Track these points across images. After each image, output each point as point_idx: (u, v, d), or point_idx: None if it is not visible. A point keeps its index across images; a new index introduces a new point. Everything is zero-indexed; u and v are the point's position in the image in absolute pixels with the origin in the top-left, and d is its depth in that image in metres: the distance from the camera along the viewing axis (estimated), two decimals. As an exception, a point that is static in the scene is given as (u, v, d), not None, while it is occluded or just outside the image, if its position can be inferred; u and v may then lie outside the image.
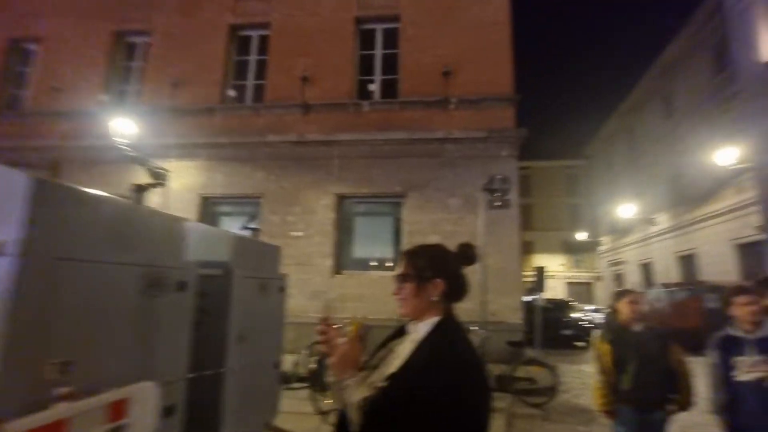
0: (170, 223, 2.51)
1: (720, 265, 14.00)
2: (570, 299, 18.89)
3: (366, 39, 10.10)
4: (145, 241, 2.24)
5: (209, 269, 2.99)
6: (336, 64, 9.70)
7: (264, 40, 10.36)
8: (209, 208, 9.56)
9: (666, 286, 13.74)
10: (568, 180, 31.93)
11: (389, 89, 9.65)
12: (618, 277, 24.81)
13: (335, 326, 1.22)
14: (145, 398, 1.95)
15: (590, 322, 14.04)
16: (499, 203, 5.90)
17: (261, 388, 3.55)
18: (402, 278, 1.23)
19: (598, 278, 28.86)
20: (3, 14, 11.26)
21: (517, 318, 7.98)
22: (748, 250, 12.58)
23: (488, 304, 7.91)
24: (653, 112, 19.57)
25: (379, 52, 9.98)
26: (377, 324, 6.50)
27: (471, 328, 5.91)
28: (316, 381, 4.64)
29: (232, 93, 9.87)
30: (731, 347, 2.29)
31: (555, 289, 27.90)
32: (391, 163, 8.97)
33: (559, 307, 13.39)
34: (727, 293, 2.36)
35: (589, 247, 29.17)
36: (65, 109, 10.16)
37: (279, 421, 4.32)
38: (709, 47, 14.77)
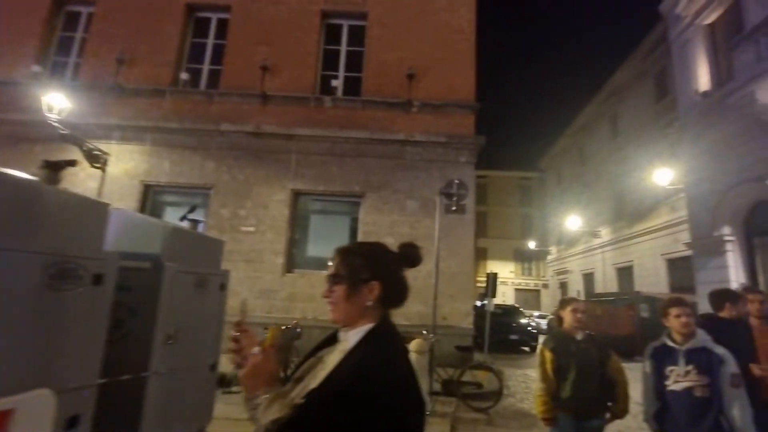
0: (87, 208, 2.21)
1: (653, 278, 15.13)
2: (518, 305, 19.60)
3: (331, 34, 9.89)
4: (52, 226, 1.94)
5: (136, 261, 2.69)
6: (299, 56, 9.41)
7: (223, 24, 9.85)
8: (153, 197, 8.91)
9: (602, 296, 14.62)
10: (522, 191, 33.30)
11: (352, 87, 9.50)
12: (563, 286, 26.15)
13: (249, 332, 1.05)
14: (36, 409, 1.67)
15: (536, 327, 14.60)
16: (455, 208, 5.93)
17: (194, 393, 3.26)
18: (333, 279, 1.09)
19: (545, 286, 30.27)
20: None
21: (467, 323, 8.08)
22: (677, 264, 13.67)
23: (440, 308, 7.97)
24: (601, 132, 20.86)
25: (344, 48, 9.80)
26: (328, 326, 6.35)
27: (422, 332, 5.88)
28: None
29: (184, 76, 9.27)
30: (665, 357, 2.36)
31: (505, 295, 28.96)
32: (351, 162, 8.81)
33: (508, 312, 13.81)
34: (663, 304, 2.44)
35: (538, 256, 30.56)
36: (-12, 77, 9.08)
37: (214, 428, 4.02)
38: (652, 75, 15.97)
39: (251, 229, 8.48)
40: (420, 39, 9.41)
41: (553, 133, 29.53)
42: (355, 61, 9.67)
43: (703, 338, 2.29)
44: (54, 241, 1.93)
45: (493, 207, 32.71)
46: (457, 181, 5.96)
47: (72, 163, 3.40)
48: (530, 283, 31.10)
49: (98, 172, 8.61)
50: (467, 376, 5.56)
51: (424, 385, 5.09)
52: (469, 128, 9.02)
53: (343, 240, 8.80)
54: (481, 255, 30.85)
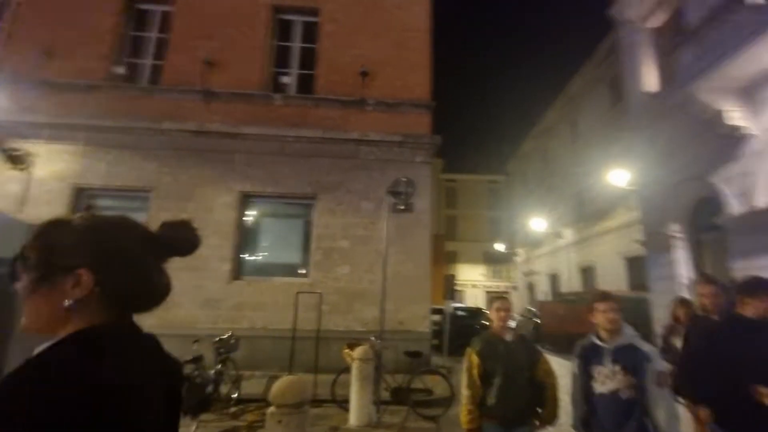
0: None
1: (613, 276, 15.44)
2: (483, 308, 19.61)
3: (284, 30, 9.52)
4: None
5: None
6: (246, 52, 8.97)
7: (166, 17, 9.29)
8: (85, 201, 8.18)
9: (566, 295, 14.77)
10: (490, 193, 33.73)
11: (305, 85, 9.14)
12: (531, 287, 26.50)
13: None
14: None
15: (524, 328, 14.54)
16: (403, 207, 5.66)
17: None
18: (20, 265, 0.73)
19: (514, 287, 30.63)
20: None
21: (424, 326, 7.81)
22: (635, 263, 13.98)
23: (397, 313, 7.68)
24: (562, 135, 21.35)
25: (296, 44, 9.45)
26: (279, 335, 5.86)
27: (371, 338, 5.54)
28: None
29: (120, 70, 8.64)
30: (592, 356, 2.13)
31: (476, 298, 29.11)
32: (303, 162, 8.42)
33: (473, 315, 13.69)
34: (589, 299, 2.21)
35: (507, 258, 30.92)
36: None
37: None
38: (607, 81, 16.46)
39: (194, 233, 7.90)
40: (373, 36, 9.19)
41: (519, 137, 30.14)
42: (308, 59, 9.34)
43: (629, 334, 2.06)
44: None
45: (463, 210, 32.95)
46: (404, 179, 5.70)
47: (88, 207, 2.94)
48: (500, 285, 31.39)
49: (22, 174, 7.86)
50: (418, 383, 5.25)
51: (370, 394, 4.75)
52: (425, 127, 8.84)
53: (295, 245, 8.39)
54: (451, 258, 30.92)
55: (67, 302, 0.70)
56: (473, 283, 30.86)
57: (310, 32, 9.45)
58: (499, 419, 2.35)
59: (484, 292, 30.67)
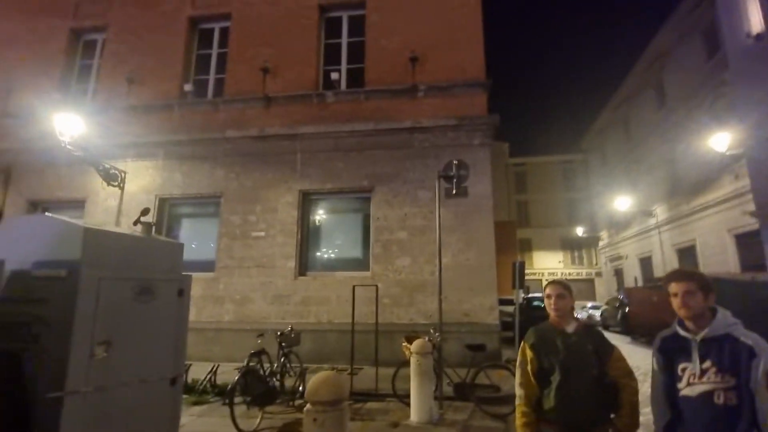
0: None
1: (719, 256, 13.33)
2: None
3: (331, 27, 9.59)
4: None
5: (49, 270, 2.45)
6: (299, 54, 9.19)
7: (225, 33, 9.88)
8: (168, 210, 9.06)
9: (655, 280, 13.05)
10: (565, 175, 31.26)
11: (355, 79, 9.13)
12: (618, 273, 24.10)
13: None
14: None
15: (589, 319, 13.38)
16: (456, 191, 5.32)
17: (146, 410, 3.00)
18: None
19: (598, 274, 28.15)
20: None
21: (492, 318, 7.38)
22: (746, 240, 11.92)
23: (461, 304, 7.37)
24: (646, 102, 18.94)
25: (344, 40, 9.46)
26: (343, 329, 5.88)
27: (430, 330, 5.34)
28: (232, 394, 4.07)
29: (188, 87, 9.36)
30: (676, 351, 1.72)
31: (553, 287, 27.22)
32: (357, 156, 8.43)
33: (549, 305, 12.74)
34: (664, 279, 1.79)
35: (588, 243, 28.48)
36: (18, 111, 9.69)
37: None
38: (699, 32, 14.17)
39: (261, 234, 8.34)
40: (421, 20, 8.85)
41: (593, 110, 27.33)
42: (357, 52, 9.31)
43: (724, 323, 1.62)
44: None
45: (535, 195, 30.98)
46: (456, 162, 5.36)
47: (145, 211, 3.40)
48: (582, 272, 29.03)
49: (117, 190, 8.90)
50: (483, 379, 4.93)
51: (431, 389, 4.56)
52: (481, 108, 8.32)
53: (356, 238, 8.44)
54: (525, 246, 29.33)
55: None
56: (551, 271, 28.90)
57: (357, 26, 9.39)
58: (559, 425, 2.02)
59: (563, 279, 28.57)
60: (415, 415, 4.37)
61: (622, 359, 2.10)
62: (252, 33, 9.50)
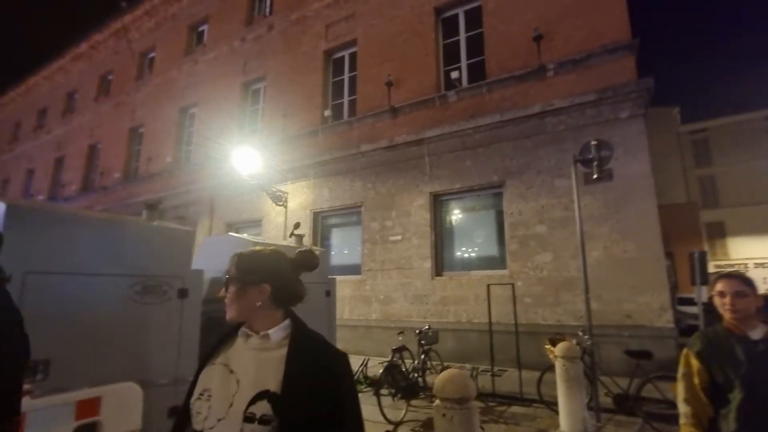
0: (172, 237, 2.74)
1: None
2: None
3: (448, 27, 9.61)
4: (137, 253, 2.48)
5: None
6: (419, 61, 9.47)
7: (354, 57, 10.88)
8: (321, 222, 10.41)
9: None
10: (771, 134, 23.93)
11: (477, 73, 8.92)
12: None
13: None
14: (122, 398, 2.11)
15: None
16: (597, 176, 4.68)
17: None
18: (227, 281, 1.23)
19: (843, 263, 20.60)
20: (172, 89, 14.73)
21: (664, 321, 6.19)
22: None
23: (621, 304, 6.46)
24: None
25: (462, 36, 9.35)
26: (484, 329, 5.95)
27: (578, 333, 4.84)
28: (379, 386, 4.43)
29: (327, 113, 10.60)
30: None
31: (766, 281, 21.06)
32: (484, 152, 8.20)
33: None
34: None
35: (820, 222, 21.16)
36: (216, 155, 12.53)
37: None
38: None
39: (398, 237, 8.85)
40: (543, -8, 8.11)
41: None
42: (476, 46, 9.10)
43: None
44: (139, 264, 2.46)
45: (725, 167, 24.59)
46: (594, 143, 4.71)
47: (297, 225, 4.42)
48: (813, 261, 21.68)
49: (283, 208, 10.68)
50: (652, 391, 4.20)
51: (583, 398, 4.12)
52: (629, 73, 7.13)
53: (491, 235, 8.21)
54: (714, 232, 23.59)
55: (258, 303, 1.15)
56: (758, 261, 22.42)
57: (474, 19, 9.18)
58: None
59: (782, 272, 21.82)
60: (565, 424, 4.01)
61: None
62: (376, 52, 10.22)
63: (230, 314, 1.16)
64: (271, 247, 1.28)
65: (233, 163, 9.60)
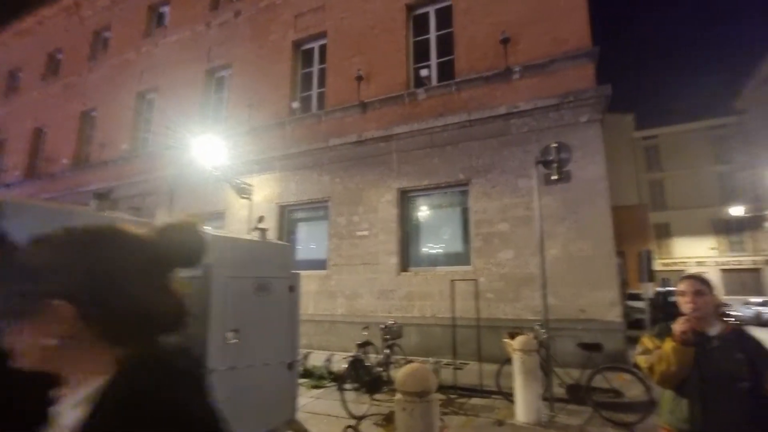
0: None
1: None
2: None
3: (419, 24, 9.65)
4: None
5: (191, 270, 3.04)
6: (389, 57, 9.47)
7: (323, 50, 10.70)
8: (287, 215, 10.22)
9: None
10: (714, 143, 25.95)
11: (446, 72, 9.03)
12: (800, 260, 19.09)
13: None
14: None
15: (740, 318, 11.01)
16: (556, 177, 4.90)
17: (266, 391, 3.49)
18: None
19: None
20: (130, 72, 13.92)
21: (614, 315, 6.59)
22: None
23: (576, 299, 6.79)
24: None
25: (433, 34, 9.43)
26: (447, 324, 6.03)
27: (534, 327, 5.05)
28: (343, 381, 4.44)
29: (295, 105, 10.40)
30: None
31: (705, 279, 22.85)
32: (452, 150, 8.34)
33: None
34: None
35: (751, 224, 23.18)
36: (176, 144, 11.96)
37: (310, 424, 4.24)
38: None
39: (365, 233, 8.85)
40: (512, -4, 8.32)
41: (752, 57, 22.02)
42: (446, 45, 9.21)
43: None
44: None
45: (673, 171, 26.40)
46: (554, 145, 4.93)
47: (260, 219, 4.25)
48: (744, 260, 23.76)
49: (247, 201, 10.39)
50: (601, 382, 4.46)
51: (538, 389, 4.32)
52: (588, 80, 7.47)
53: (456, 232, 8.38)
54: (661, 232, 25.28)
55: (51, 341, 0.59)
56: (699, 260, 24.31)
57: (444, 18, 9.27)
58: None
59: (718, 270, 23.77)
60: (521, 414, 4.19)
61: None
62: (346, 45, 10.11)
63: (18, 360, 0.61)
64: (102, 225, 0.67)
65: (195, 152, 9.21)
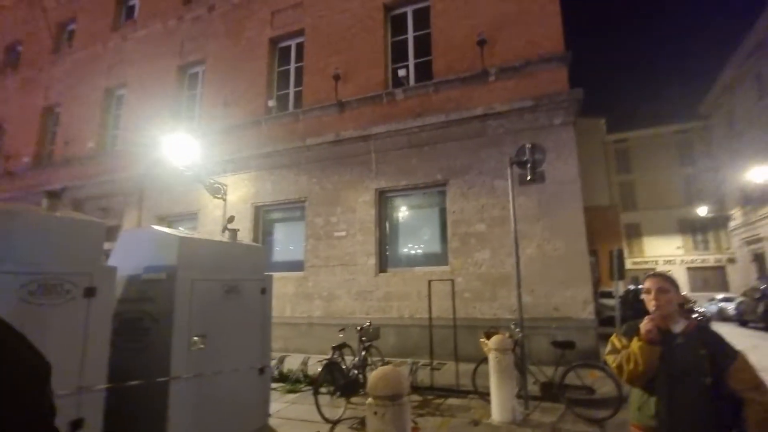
0: (78, 229, 2.43)
1: None
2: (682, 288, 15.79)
3: (396, 24, 9.64)
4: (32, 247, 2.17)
5: (151, 273, 2.89)
6: (367, 57, 9.41)
7: (301, 47, 10.54)
8: (262, 216, 10.00)
9: None
10: (679, 147, 27.06)
11: (424, 72, 9.04)
12: (758, 258, 20.13)
13: None
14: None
15: (705, 314, 11.49)
16: (530, 177, 4.96)
17: (239, 395, 3.37)
18: None
19: (730, 260, 23.85)
20: (97, 67, 13.35)
21: (587, 313, 6.73)
22: None
23: (550, 298, 6.89)
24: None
25: (410, 35, 9.43)
26: (425, 324, 5.96)
27: (510, 326, 5.08)
28: (318, 385, 4.34)
29: (272, 103, 10.20)
30: None
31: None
32: (430, 151, 8.35)
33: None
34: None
35: (715, 224, 24.29)
36: (146, 142, 11.53)
37: (284, 430, 4.12)
38: None
39: (343, 233, 8.75)
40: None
41: (713, 67, 23.17)
42: (424, 45, 9.22)
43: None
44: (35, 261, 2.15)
45: (642, 173, 27.34)
46: (528, 146, 4.99)
47: (230, 219, 4.03)
48: (708, 258, 24.88)
49: (221, 201, 10.10)
50: (574, 379, 4.53)
51: (513, 387, 4.34)
52: (561, 84, 7.62)
53: (434, 233, 8.38)
54: (632, 232, 26.17)
55: None
56: (668, 258, 25.29)
57: (422, 19, 9.29)
58: None
59: (684, 268, 24.80)
60: (496, 413, 4.19)
61: (747, 369, 1.74)
62: (324, 43, 9.99)
63: None
64: None
65: (167, 151, 8.88)
